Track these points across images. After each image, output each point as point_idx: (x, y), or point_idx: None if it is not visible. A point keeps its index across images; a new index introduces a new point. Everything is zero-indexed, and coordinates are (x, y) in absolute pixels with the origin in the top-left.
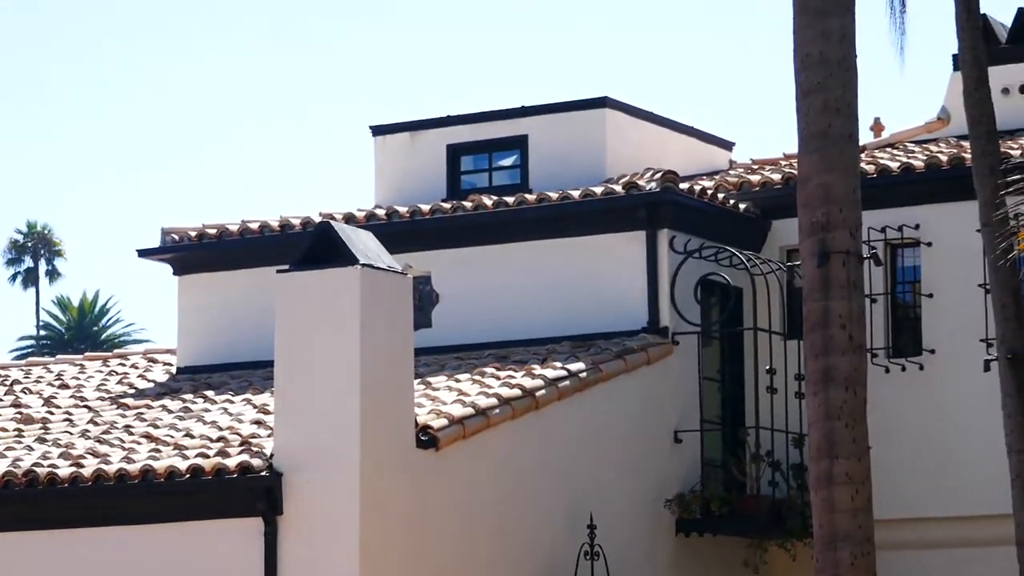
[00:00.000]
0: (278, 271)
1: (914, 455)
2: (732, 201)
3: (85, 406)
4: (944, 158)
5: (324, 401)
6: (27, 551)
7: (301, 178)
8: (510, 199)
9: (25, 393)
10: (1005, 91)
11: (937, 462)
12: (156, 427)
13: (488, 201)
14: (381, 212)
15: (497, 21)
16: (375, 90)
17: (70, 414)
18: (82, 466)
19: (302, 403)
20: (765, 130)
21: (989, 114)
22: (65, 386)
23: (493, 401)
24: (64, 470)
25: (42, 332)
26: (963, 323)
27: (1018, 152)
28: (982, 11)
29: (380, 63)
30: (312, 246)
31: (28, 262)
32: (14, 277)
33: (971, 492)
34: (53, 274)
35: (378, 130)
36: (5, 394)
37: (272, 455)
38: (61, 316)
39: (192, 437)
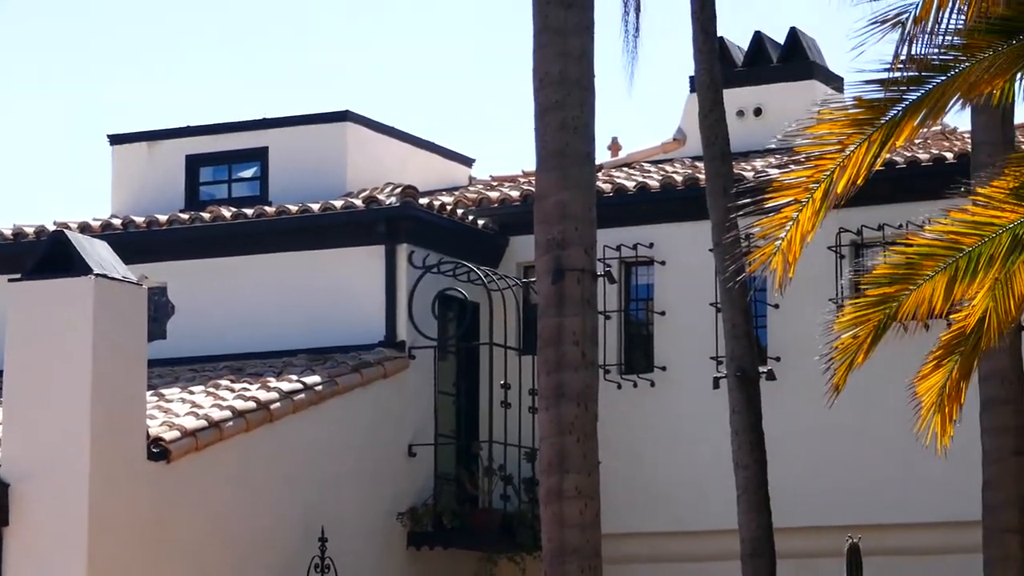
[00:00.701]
0: (9, 280)
1: (644, 470)
2: (471, 217)
3: None
4: (679, 178)
5: (54, 411)
6: None
7: (36, 186)
8: (249, 211)
9: None
10: (740, 113)
11: (666, 477)
12: None
13: (227, 213)
14: (117, 222)
15: (238, 31)
16: (113, 98)
17: None
18: None
19: (32, 413)
20: (505, 147)
21: (723, 136)
22: None
23: (227, 414)
24: None
25: None
26: (694, 341)
27: (751, 174)
28: (719, 34)
29: (119, 70)
30: (45, 255)
31: None
32: None
33: (699, 507)
34: None
35: (116, 139)
36: None
37: None
38: None
39: None
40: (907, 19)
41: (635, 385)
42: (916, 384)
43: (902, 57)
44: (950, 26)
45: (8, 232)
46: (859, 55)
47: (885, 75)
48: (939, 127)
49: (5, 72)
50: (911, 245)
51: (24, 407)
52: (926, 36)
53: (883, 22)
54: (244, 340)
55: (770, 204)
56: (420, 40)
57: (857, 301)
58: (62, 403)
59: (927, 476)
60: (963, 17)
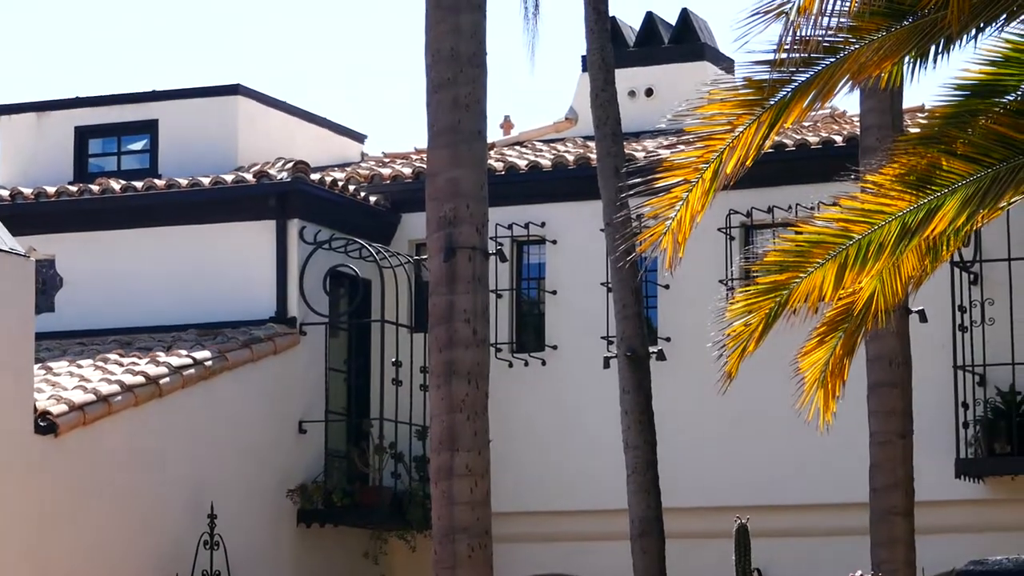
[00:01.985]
0: None
1: (534, 449)
2: (363, 193)
3: None
4: (571, 158)
5: None
6: None
7: None
8: (139, 184)
9: None
10: (631, 94)
11: (556, 457)
12: None
13: (116, 185)
14: (5, 193)
15: (128, 1)
16: (0, 67)
17: None
18: None
19: None
20: (397, 124)
21: (615, 116)
22: None
23: (115, 388)
24: None
25: None
26: (585, 320)
27: (642, 154)
28: (611, 14)
29: (5, 38)
30: None
31: None
32: None
33: (589, 487)
34: None
35: (3, 109)
36: None
37: None
38: None
39: None
40: (791, 9)
41: (526, 364)
42: (799, 360)
43: (786, 45)
44: (837, 7)
45: None
46: (744, 44)
47: (774, 56)
48: (828, 110)
49: None
50: (801, 232)
51: None
52: (812, 21)
53: (766, 12)
54: (133, 314)
55: (660, 184)
56: (313, 14)
57: (748, 288)
58: None
59: (816, 458)
60: (848, 1)
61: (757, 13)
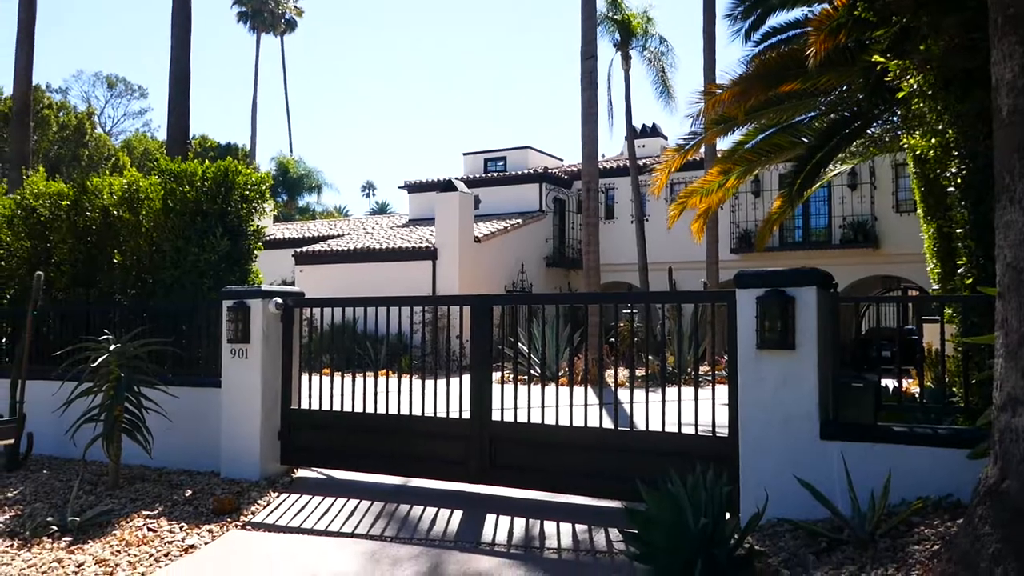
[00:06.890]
0: (437, 193)
1: (610, 243)
2: (563, 175)
3: (380, 229)
4: (622, 164)
5: (448, 227)
6: (345, 270)
7: (442, 159)
8: (504, 174)
9: (369, 227)
10: (639, 147)
11: (616, 245)
12: (402, 235)
13: (492, 175)
14: (467, 176)
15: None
16: (471, 132)
17: (377, 233)
18: (381, 245)
19: (443, 227)
20: (574, 152)
21: (634, 155)
22: (377, 224)
23: (495, 229)
24: (376, 246)
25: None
26: (626, 210)
27: (643, 162)
28: (634, 124)
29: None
30: (444, 185)
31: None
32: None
33: (624, 255)
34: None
35: (466, 154)
36: (348, 233)
37: (435, 242)
38: (376, 205)
39: (412, 239)
40: (695, 115)
41: (608, 222)
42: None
43: (689, 134)
44: (702, 118)
45: (439, 180)
46: (678, 133)
47: (685, 136)
48: (698, 152)
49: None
50: (688, 187)
51: (443, 229)
52: (697, 121)
53: (688, 115)
54: (502, 207)
55: (653, 173)
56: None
57: (675, 202)
58: (452, 224)
59: (692, 248)
60: (706, 116)
61: (687, 116)
